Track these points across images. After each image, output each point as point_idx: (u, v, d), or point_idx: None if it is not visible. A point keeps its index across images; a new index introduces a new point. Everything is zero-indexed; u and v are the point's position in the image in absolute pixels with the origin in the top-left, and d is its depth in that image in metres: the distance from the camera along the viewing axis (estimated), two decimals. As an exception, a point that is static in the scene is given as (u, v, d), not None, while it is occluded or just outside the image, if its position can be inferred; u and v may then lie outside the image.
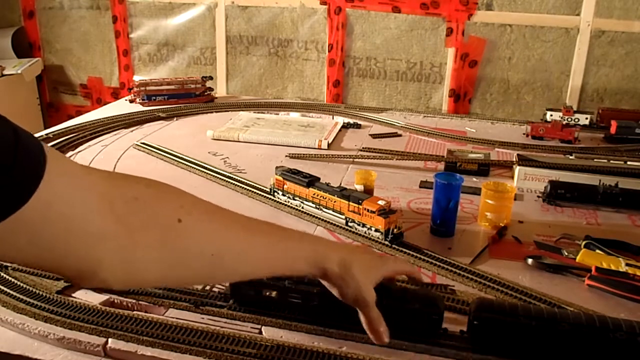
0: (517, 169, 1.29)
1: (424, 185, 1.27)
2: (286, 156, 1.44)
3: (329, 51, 2.24)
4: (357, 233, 1.02)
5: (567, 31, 2.01)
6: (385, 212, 0.98)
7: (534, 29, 2.03)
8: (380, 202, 0.99)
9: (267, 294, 0.73)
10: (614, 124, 1.63)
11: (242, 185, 1.23)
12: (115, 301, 0.79)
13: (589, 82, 2.04)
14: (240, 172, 1.33)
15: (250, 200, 1.18)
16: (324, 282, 0.66)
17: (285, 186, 1.13)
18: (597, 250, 0.94)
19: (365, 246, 0.72)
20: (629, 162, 1.33)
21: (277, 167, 1.17)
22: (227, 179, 1.27)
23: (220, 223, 0.58)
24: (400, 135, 1.66)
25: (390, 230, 0.97)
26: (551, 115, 1.74)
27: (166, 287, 0.80)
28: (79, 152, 1.44)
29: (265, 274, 0.70)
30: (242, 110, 1.87)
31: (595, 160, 1.35)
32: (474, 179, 1.31)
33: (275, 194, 1.16)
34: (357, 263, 0.65)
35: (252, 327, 0.74)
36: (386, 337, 0.66)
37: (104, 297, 0.80)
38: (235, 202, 1.16)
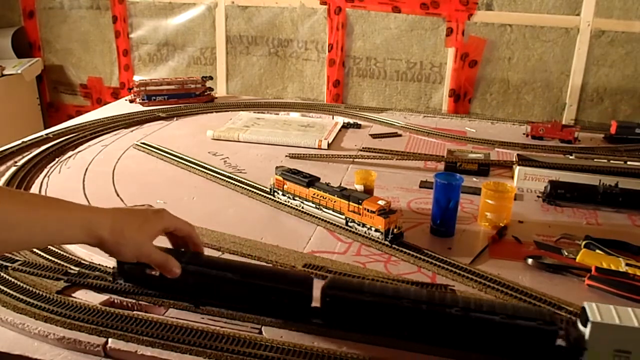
0: (517, 169, 1.29)
1: (424, 185, 1.27)
2: (286, 156, 1.44)
3: (329, 51, 2.24)
4: (357, 233, 1.02)
5: (567, 31, 2.01)
6: (385, 212, 0.98)
7: (534, 29, 2.03)
8: (380, 202, 0.99)
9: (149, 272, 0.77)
10: (614, 124, 1.63)
11: (242, 185, 1.23)
12: (115, 301, 0.79)
13: (589, 82, 2.04)
14: (240, 172, 1.33)
15: (250, 200, 1.18)
16: (102, 249, 0.70)
17: (285, 186, 1.13)
18: (597, 250, 0.94)
19: (140, 206, 0.77)
20: (629, 162, 1.33)
21: (277, 167, 1.17)
22: (227, 179, 1.27)
23: None
24: (400, 135, 1.66)
25: (390, 230, 0.97)
26: None
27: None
28: (79, 152, 1.44)
29: (41, 243, 0.77)
30: (242, 110, 1.87)
31: (595, 160, 1.35)
32: (474, 179, 1.31)
33: (275, 194, 1.16)
34: (129, 225, 0.71)
35: (252, 327, 0.74)
36: (177, 269, 0.74)
37: (104, 297, 0.80)
38: (235, 202, 1.16)
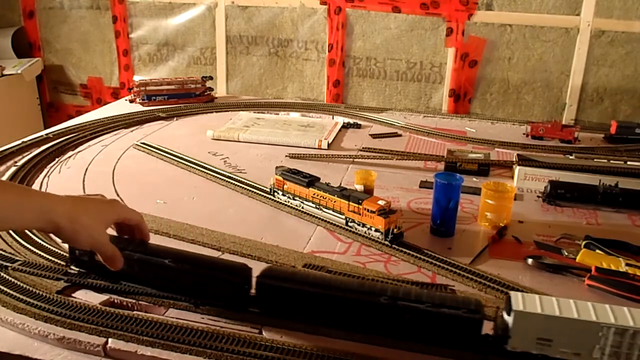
0: (517, 169, 1.29)
1: (424, 185, 1.27)
2: (286, 156, 1.44)
3: (329, 51, 2.24)
4: (357, 233, 1.02)
5: (567, 31, 2.01)
6: (385, 212, 0.98)
7: (534, 29, 2.03)
8: (380, 202, 0.99)
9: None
10: (614, 124, 1.63)
11: (242, 185, 1.23)
12: (115, 301, 0.79)
13: (589, 82, 2.04)
14: (240, 172, 1.33)
15: (250, 200, 1.18)
16: (58, 236, 0.71)
17: (285, 186, 1.13)
18: (597, 250, 0.94)
19: (93, 195, 0.78)
20: (629, 162, 1.33)
21: (277, 167, 1.17)
22: (227, 179, 1.27)
23: None
24: (400, 135, 1.66)
25: (390, 230, 0.97)
26: None
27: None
28: (79, 152, 1.44)
29: None
30: (242, 110, 1.87)
31: (595, 160, 1.35)
32: (474, 179, 1.31)
33: (275, 194, 1.16)
34: (86, 214, 0.71)
35: (252, 327, 0.74)
36: (120, 263, 0.75)
37: (104, 297, 0.80)
38: (235, 202, 1.16)
